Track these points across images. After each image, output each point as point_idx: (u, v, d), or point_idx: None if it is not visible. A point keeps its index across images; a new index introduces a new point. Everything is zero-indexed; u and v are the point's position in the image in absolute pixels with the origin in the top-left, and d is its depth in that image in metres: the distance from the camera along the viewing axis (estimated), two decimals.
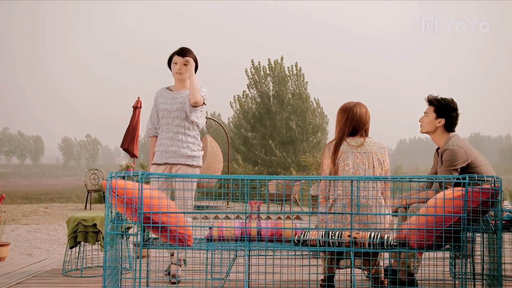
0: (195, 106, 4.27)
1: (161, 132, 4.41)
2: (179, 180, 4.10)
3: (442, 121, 3.95)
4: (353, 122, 3.68)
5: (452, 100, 3.99)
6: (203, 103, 4.34)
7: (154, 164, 4.37)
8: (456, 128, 4.01)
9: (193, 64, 4.32)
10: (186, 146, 4.31)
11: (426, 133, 4.06)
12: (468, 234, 3.29)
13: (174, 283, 4.05)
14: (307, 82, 30.78)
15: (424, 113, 4.05)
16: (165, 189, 4.23)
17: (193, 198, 4.27)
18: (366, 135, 3.73)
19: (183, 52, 4.35)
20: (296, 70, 30.66)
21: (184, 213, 3.64)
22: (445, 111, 3.95)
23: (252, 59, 30.56)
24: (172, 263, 4.19)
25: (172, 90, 4.45)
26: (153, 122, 4.51)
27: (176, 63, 4.36)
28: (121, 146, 11.24)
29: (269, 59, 30.56)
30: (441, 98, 3.99)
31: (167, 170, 4.32)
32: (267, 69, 30.61)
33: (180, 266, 4.24)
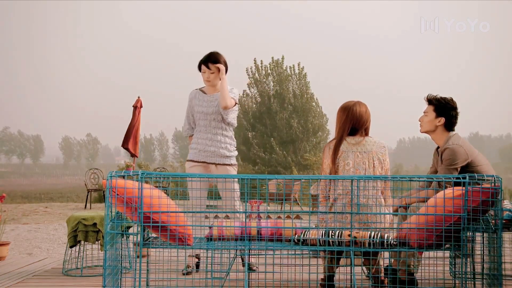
0: (226, 109, 4.46)
1: (198, 132, 4.62)
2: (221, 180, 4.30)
3: (442, 120, 3.95)
4: (353, 121, 3.67)
5: (452, 99, 3.99)
6: (235, 103, 4.55)
7: (191, 161, 4.58)
8: (456, 128, 4.02)
9: (223, 69, 4.50)
10: (224, 147, 4.55)
11: (426, 132, 4.05)
12: (468, 234, 3.29)
13: (189, 273, 4.19)
14: (309, 82, 30.75)
15: (424, 112, 4.05)
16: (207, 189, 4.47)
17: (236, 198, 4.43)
18: (366, 134, 3.73)
19: (207, 61, 4.51)
20: (298, 69, 30.64)
21: (184, 212, 3.64)
22: (444, 110, 3.95)
23: (255, 58, 30.55)
24: (188, 255, 4.33)
25: (205, 93, 4.63)
26: (189, 123, 4.72)
27: (204, 72, 4.55)
28: (122, 146, 11.24)
29: (272, 58, 30.55)
30: (441, 97, 3.99)
31: (203, 168, 4.54)
32: (268, 68, 30.59)
33: (198, 259, 4.39)
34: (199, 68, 4.60)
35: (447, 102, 3.96)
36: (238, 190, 4.42)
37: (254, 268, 4.37)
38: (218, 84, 4.58)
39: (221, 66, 4.49)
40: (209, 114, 4.54)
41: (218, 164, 4.52)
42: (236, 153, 4.65)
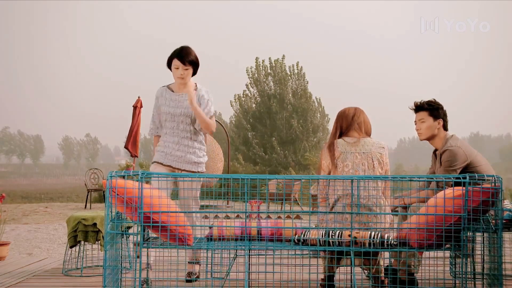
0: (212, 133, 4.30)
1: (165, 134, 4.30)
2: (181, 180, 4.09)
3: (441, 121, 3.95)
4: (340, 121, 3.72)
5: (435, 100, 4.02)
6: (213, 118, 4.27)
7: (156, 162, 4.26)
8: (457, 128, 4.03)
9: (192, 94, 4.11)
10: (192, 152, 4.25)
11: (428, 139, 4.02)
12: (468, 234, 3.29)
13: (190, 281, 4.07)
14: (307, 82, 30.76)
15: (419, 120, 4.01)
16: (170, 189, 4.21)
17: (198, 198, 4.27)
18: (363, 133, 3.71)
19: (183, 56, 4.14)
20: (297, 69, 30.64)
21: (185, 212, 3.64)
22: (438, 111, 3.95)
23: (257, 57, 30.52)
24: (188, 262, 4.22)
25: (173, 91, 4.28)
26: (155, 122, 4.38)
27: (177, 68, 4.16)
28: (125, 147, 11.28)
29: (270, 58, 30.55)
30: (429, 101, 3.99)
31: (167, 172, 4.24)
32: (268, 68, 30.59)
33: (200, 265, 4.26)
34: (170, 62, 4.21)
35: (437, 104, 3.98)
36: (198, 190, 4.20)
37: None
38: (188, 82, 4.24)
39: (191, 93, 4.07)
40: (176, 116, 4.21)
41: (184, 170, 4.21)
42: (205, 158, 4.33)
